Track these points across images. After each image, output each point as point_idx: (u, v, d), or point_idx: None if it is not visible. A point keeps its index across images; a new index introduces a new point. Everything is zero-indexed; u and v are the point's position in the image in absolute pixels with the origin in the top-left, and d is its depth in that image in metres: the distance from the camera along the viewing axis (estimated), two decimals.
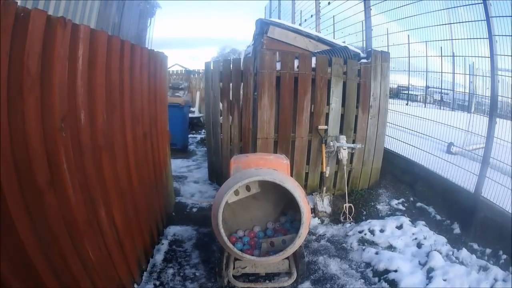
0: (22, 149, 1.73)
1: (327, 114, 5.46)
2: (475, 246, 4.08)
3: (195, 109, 13.11)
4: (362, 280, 3.65)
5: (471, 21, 4.56)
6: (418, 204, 5.24)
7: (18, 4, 1.67)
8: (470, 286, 3.28)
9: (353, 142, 5.59)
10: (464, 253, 3.85)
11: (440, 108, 7.16)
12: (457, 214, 4.63)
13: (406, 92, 8.71)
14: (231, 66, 5.63)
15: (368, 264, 3.89)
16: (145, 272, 3.64)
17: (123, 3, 11.25)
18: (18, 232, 1.66)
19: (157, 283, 3.53)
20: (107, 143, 2.80)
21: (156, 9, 15.31)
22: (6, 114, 1.62)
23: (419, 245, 4.09)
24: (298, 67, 5.23)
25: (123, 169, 3.16)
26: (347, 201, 5.08)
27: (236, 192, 3.57)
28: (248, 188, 3.67)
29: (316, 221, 4.97)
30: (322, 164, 5.41)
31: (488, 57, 4.31)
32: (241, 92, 5.57)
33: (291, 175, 4.92)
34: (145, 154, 3.89)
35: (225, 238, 3.07)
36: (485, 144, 4.36)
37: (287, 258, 3.51)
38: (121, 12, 11.19)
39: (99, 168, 2.66)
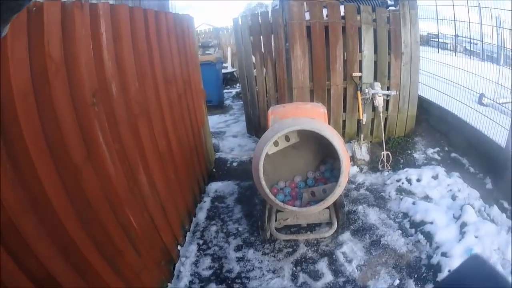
0: (54, 129, 1.78)
1: (360, 62, 5.33)
2: (505, 204, 3.91)
3: (228, 64, 13.02)
4: (400, 231, 3.63)
5: None
6: (453, 154, 5.07)
7: None
8: (499, 247, 3.18)
9: (388, 89, 5.43)
10: (495, 210, 3.71)
11: (470, 58, 6.80)
12: (489, 168, 4.45)
13: (436, 40, 8.44)
14: (260, 20, 5.57)
15: (405, 215, 3.88)
16: (188, 232, 3.74)
17: None
18: (56, 211, 1.72)
19: (201, 242, 3.64)
20: (142, 109, 2.86)
21: None
22: (33, 100, 1.66)
23: (453, 197, 4.00)
24: (327, 16, 5.10)
25: (161, 133, 3.23)
26: (384, 148, 5.01)
27: (276, 143, 3.49)
28: (287, 138, 3.58)
29: (355, 169, 4.96)
30: (358, 111, 5.31)
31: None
32: (273, 44, 5.51)
33: (329, 123, 4.88)
34: (181, 115, 3.96)
35: (267, 190, 3.06)
36: None
37: (328, 208, 3.53)
38: None
39: (136, 135, 2.73)
